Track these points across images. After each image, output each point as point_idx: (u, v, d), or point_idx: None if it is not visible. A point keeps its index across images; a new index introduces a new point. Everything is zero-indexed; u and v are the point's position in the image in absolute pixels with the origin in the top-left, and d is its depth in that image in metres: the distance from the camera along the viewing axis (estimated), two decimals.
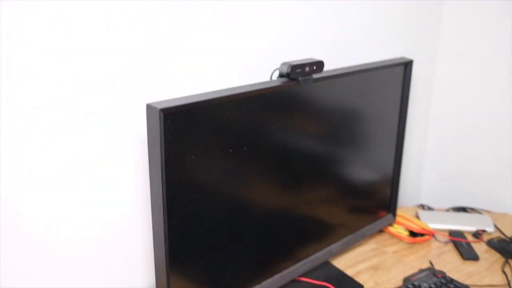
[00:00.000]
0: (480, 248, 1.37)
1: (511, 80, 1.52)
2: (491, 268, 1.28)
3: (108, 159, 1.04)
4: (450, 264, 1.30)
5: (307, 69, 0.99)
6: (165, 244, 0.84)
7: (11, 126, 0.91)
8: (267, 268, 1.06)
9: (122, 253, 1.11)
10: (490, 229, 1.45)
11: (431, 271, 1.22)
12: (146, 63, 1.03)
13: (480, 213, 1.58)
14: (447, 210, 1.60)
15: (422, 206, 1.62)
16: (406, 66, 1.26)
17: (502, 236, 1.41)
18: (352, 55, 1.38)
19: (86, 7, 0.93)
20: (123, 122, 1.04)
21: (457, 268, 1.28)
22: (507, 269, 1.27)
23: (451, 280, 1.19)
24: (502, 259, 1.32)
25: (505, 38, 1.50)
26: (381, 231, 1.44)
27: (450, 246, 1.38)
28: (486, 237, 1.42)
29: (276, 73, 1.01)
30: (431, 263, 1.30)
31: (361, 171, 1.25)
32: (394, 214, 1.38)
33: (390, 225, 1.41)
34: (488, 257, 1.33)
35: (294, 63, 0.97)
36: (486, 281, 1.23)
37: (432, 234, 1.41)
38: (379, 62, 1.20)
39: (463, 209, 1.60)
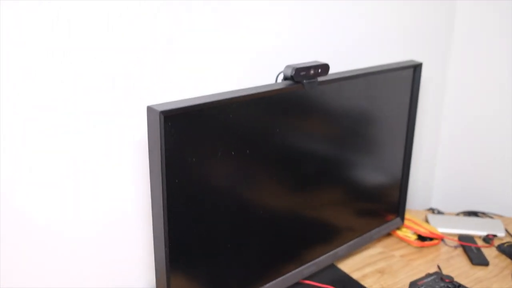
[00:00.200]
0: (490, 253, 1.35)
1: None
2: (501, 274, 1.26)
3: (108, 159, 1.04)
4: (459, 269, 1.28)
5: (312, 72, 0.99)
6: (165, 246, 0.85)
7: (11, 126, 0.92)
8: (270, 270, 1.06)
9: (122, 254, 1.12)
10: (501, 234, 1.43)
11: (439, 276, 1.21)
12: (146, 63, 1.03)
13: (491, 217, 1.56)
14: (458, 214, 1.58)
15: (432, 210, 1.60)
16: (415, 69, 1.25)
17: None
18: (362, 58, 1.36)
19: (86, 7, 0.94)
20: (123, 122, 1.04)
21: (466, 273, 1.27)
22: None
23: (459, 285, 1.17)
24: None
25: None
26: (389, 234, 1.42)
27: (459, 251, 1.37)
28: (496, 242, 1.40)
29: (281, 76, 1.01)
30: (439, 267, 1.28)
31: (369, 174, 1.24)
32: (402, 218, 1.36)
33: (398, 228, 1.40)
34: (498, 263, 1.31)
35: (298, 66, 0.97)
36: (495, 287, 1.21)
37: (441, 238, 1.40)
38: (387, 65, 1.19)
39: (473, 213, 1.58)
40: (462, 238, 1.41)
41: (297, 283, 1.16)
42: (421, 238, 1.39)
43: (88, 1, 0.94)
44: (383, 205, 1.32)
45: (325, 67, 1.01)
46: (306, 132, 1.04)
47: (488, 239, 1.40)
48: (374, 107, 1.19)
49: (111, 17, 0.97)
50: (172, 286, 0.88)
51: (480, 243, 1.40)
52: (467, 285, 1.20)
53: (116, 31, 0.98)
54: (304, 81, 0.98)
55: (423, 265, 1.30)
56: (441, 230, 1.44)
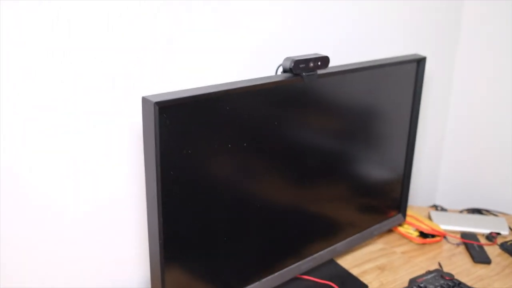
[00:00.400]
0: (493, 251, 1.34)
1: None
2: (502, 272, 1.25)
3: (108, 159, 1.04)
4: (460, 266, 1.27)
5: (311, 64, 0.97)
6: (159, 239, 0.84)
7: (11, 126, 0.92)
8: (267, 265, 1.05)
9: (117, 247, 1.11)
10: (504, 232, 1.41)
11: (439, 273, 1.19)
12: (146, 63, 1.03)
13: (495, 215, 1.54)
14: (461, 212, 1.56)
15: (435, 207, 1.58)
16: (419, 63, 1.23)
17: None
18: (367, 51, 1.35)
19: (86, 7, 0.93)
20: (123, 123, 1.04)
21: (467, 271, 1.25)
22: None
23: (459, 283, 1.16)
24: None
25: None
26: (390, 231, 1.41)
27: (462, 249, 1.35)
28: (500, 240, 1.38)
29: (281, 69, 1.00)
30: (440, 265, 1.27)
31: (370, 169, 1.22)
32: (404, 214, 1.35)
33: (400, 225, 1.39)
34: (501, 261, 1.29)
35: (297, 58, 0.95)
36: (497, 285, 1.19)
37: (443, 235, 1.38)
38: (390, 58, 1.18)
39: (477, 211, 1.56)
40: (465, 235, 1.39)
41: (295, 278, 1.15)
42: (423, 235, 1.37)
43: (88, 1, 0.93)
44: (385, 201, 1.31)
45: (325, 60, 0.99)
46: (305, 125, 1.02)
47: (491, 237, 1.39)
48: (376, 102, 1.17)
49: (111, 17, 0.96)
50: (167, 279, 0.88)
51: (483, 241, 1.38)
52: (468, 283, 1.18)
53: (116, 31, 0.98)
54: (304, 73, 0.97)
55: (424, 262, 1.28)
56: (443, 227, 1.42)
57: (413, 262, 1.28)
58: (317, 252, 1.14)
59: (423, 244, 1.36)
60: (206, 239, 0.92)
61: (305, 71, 0.97)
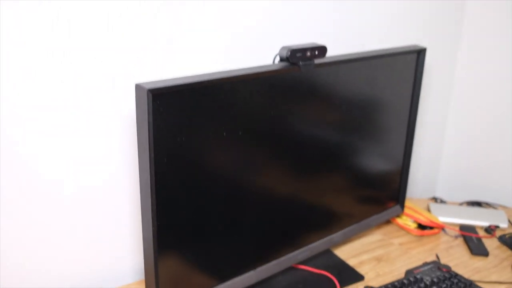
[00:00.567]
0: (491, 244, 1.33)
1: None
2: (500, 265, 1.24)
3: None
4: (458, 259, 1.26)
5: (308, 53, 0.97)
6: (153, 225, 0.84)
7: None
8: (263, 254, 1.05)
9: (111, 234, 1.12)
10: (503, 225, 1.41)
11: (436, 265, 1.19)
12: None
13: (495, 208, 1.53)
14: (461, 204, 1.55)
15: (435, 199, 1.58)
16: (419, 54, 1.22)
17: None
18: (366, 42, 1.34)
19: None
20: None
21: (465, 263, 1.25)
22: None
23: (456, 275, 1.15)
24: None
25: None
26: (388, 222, 1.41)
27: (460, 241, 1.35)
28: (499, 233, 1.38)
29: (278, 59, 0.99)
30: (437, 256, 1.27)
31: (368, 160, 1.22)
32: (402, 206, 1.34)
33: (398, 216, 1.38)
34: (499, 254, 1.29)
35: (294, 47, 0.95)
36: (494, 278, 1.19)
37: (441, 227, 1.38)
38: (389, 49, 1.17)
39: (477, 204, 1.56)
40: (463, 228, 1.39)
41: (291, 268, 1.15)
42: (421, 226, 1.37)
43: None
44: (383, 192, 1.30)
45: (322, 49, 0.99)
46: (302, 115, 1.02)
47: (490, 230, 1.38)
48: (375, 92, 1.16)
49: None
50: (160, 267, 0.88)
51: (481, 233, 1.38)
52: (465, 275, 1.18)
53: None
54: (300, 62, 0.96)
55: (421, 253, 1.28)
56: (442, 219, 1.42)
57: (410, 254, 1.28)
58: (313, 242, 1.14)
59: (421, 236, 1.36)
60: (200, 227, 0.92)
61: (302, 60, 0.97)
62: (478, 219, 1.42)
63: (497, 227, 1.40)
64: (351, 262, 1.23)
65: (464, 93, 1.62)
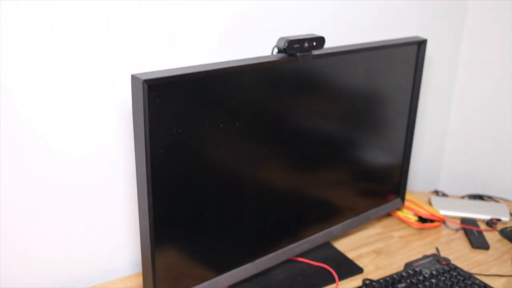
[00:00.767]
0: (492, 237, 1.32)
1: None
2: (501, 258, 1.24)
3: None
4: (458, 252, 1.26)
5: (306, 44, 0.96)
6: (149, 216, 0.84)
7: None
8: (261, 246, 1.05)
9: (109, 226, 1.12)
10: (505, 218, 1.40)
11: (436, 258, 1.19)
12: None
13: (497, 201, 1.52)
14: (462, 198, 1.55)
15: (436, 192, 1.57)
16: (420, 45, 1.21)
17: None
18: (366, 34, 1.33)
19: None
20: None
21: (465, 256, 1.24)
22: None
23: (455, 268, 1.15)
24: None
25: None
26: (389, 215, 1.40)
27: (460, 234, 1.34)
28: (500, 227, 1.37)
29: (276, 50, 0.99)
30: (437, 249, 1.26)
31: (368, 153, 1.21)
32: (403, 199, 1.34)
33: (398, 209, 1.38)
34: (500, 247, 1.28)
35: (291, 38, 0.94)
36: (494, 271, 1.18)
37: (442, 220, 1.37)
38: (389, 40, 1.16)
39: (479, 197, 1.55)
40: (465, 221, 1.38)
41: (290, 260, 1.15)
42: (422, 220, 1.36)
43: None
44: (383, 185, 1.30)
45: (320, 40, 0.98)
46: (300, 107, 1.01)
47: (491, 223, 1.37)
48: (375, 84, 1.16)
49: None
50: (157, 258, 0.88)
51: (483, 227, 1.37)
52: (464, 268, 1.17)
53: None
54: (298, 54, 0.96)
55: (421, 246, 1.28)
56: (444, 212, 1.41)
57: (410, 247, 1.27)
58: (312, 234, 1.14)
59: (422, 229, 1.35)
60: (198, 219, 0.92)
61: (300, 51, 0.96)
62: (480, 213, 1.41)
63: (498, 220, 1.39)
64: (351, 255, 1.23)
65: (467, 86, 1.60)
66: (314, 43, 0.98)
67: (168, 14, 1.03)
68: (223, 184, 0.94)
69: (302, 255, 1.17)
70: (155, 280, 0.89)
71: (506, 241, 1.31)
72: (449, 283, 1.09)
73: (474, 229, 1.34)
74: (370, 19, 1.34)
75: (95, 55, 0.98)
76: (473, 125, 1.62)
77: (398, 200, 1.33)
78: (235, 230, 0.99)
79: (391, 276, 1.11)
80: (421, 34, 1.32)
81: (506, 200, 1.53)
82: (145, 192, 0.83)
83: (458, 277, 1.12)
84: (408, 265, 1.17)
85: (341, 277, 1.13)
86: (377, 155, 1.25)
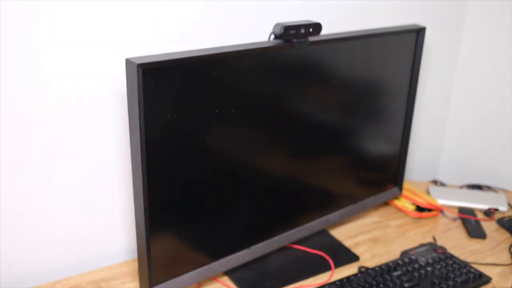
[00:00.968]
0: (490, 226, 1.32)
1: None
2: (497, 247, 1.24)
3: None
4: (454, 241, 1.26)
5: (302, 30, 0.96)
6: (144, 201, 0.84)
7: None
8: (257, 232, 1.05)
9: (106, 214, 1.13)
10: (503, 208, 1.40)
11: (432, 246, 1.19)
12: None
13: (495, 191, 1.52)
14: (461, 187, 1.55)
15: (435, 182, 1.57)
16: (418, 33, 1.20)
17: None
18: (366, 21, 1.33)
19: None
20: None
21: (461, 245, 1.24)
22: None
23: (451, 256, 1.15)
24: (511, 239, 1.27)
25: None
26: (387, 204, 1.40)
27: (458, 223, 1.34)
28: (498, 216, 1.37)
29: (273, 37, 0.98)
30: (434, 238, 1.26)
31: (365, 141, 1.21)
32: (401, 188, 1.34)
33: (396, 198, 1.38)
34: (497, 236, 1.28)
35: (287, 24, 0.94)
36: (490, 260, 1.18)
37: (440, 210, 1.37)
38: (387, 28, 1.15)
39: (478, 187, 1.55)
40: (462, 210, 1.38)
41: (286, 247, 1.15)
42: (419, 209, 1.36)
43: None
44: (381, 174, 1.30)
45: (317, 27, 0.98)
46: (296, 93, 1.01)
47: (489, 213, 1.37)
48: (373, 72, 1.15)
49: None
50: (152, 244, 0.88)
51: (481, 216, 1.37)
52: (460, 257, 1.17)
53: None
54: (294, 40, 0.95)
55: (418, 235, 1.28)
56: (442, 202, 1.41)
57: (407, 236, 1.28)
58: (309, 221, 1.14)
59: (419, 218, 1.35)
60: (193, 204, 0.92)
61: (296, 37, 0.96)
62: (478, 202, 1.41)
63: (496, 210, 1.39)
64: (347, 243, 1.23)
65: (467, 76, 1.60)
66: (311, 29, 0.97)
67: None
68: (218, 170, 0.94)
69: (298, 242, 1.17)
70: (150, 266, 0.89)
71: (503, 231, 1.31)
72: (445, 271, 1.09)
73: (472, 218, 1.34)
74: (369, 6, 1.34)
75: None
76: (473, 115, 1.61)
77: (395, 189, 1.33)
78: (231, 216, 0.99)
79: (386, 264, 1.11)
80: (421, 21, 1.31)
81: (505, 190, 1.53)
82: (140, 177, 0.83)
83: (454, 265, 1.12)
84: (404, 253, 1.17)
85: (337, 265, 1.13)
86: (375, 144, 1.24)
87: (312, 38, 0.98)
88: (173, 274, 0.94)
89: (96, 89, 1.02)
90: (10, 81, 0.93)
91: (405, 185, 1.40)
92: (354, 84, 1.12)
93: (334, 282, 1.05)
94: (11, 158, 0.97)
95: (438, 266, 1.11)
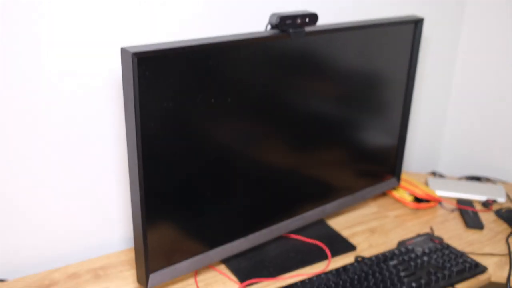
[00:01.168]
0: (487, 217, 1.33)
1: None
2: (495, 238, 1.24)
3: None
4: (452, 231, 1.26)
5: (298, 21, 0.96)
6: (140, 190, 0.85)
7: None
8: (254, 221, 1.06)
9: (103, 203, 1.14)
10: (501, 199, 1.40)
11: (429, 237, 1.20)
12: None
13: (494, 183, 1.52)
14: (459, 179, 1.55)
15: (434, 173, 1.57)
16: (417, 24, 1.20)
17: None
18: (366, 13, 1.33)
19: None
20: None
21: (459, 236, 1.25)
22: (511, 240, 1.23)
23: (447, 247, 1.16)
24: (508, 230, 1.27)
25: None
26: (385, 195, 1.41)
27: (456, 214, 1.34)
28: (496, 208, 1.37)
29: (269, 27, 0.99)
30: (431, 229, 1.27)
31: (363, 132, 1.21)
32: (399, 178, 1.34)
33: (394, 189, 1.38)
34: (494, 227, 1.29)
35: (283, 14, 0.94)
36: (487, 250, 1.19)
37: (438, 201, 1.37)
38: (385, 19, 1.15)
39: (476, 178, 1.55)
40: (460, 202, 1.38)
41: (283, 237, 1.16)
42: (417, 200, 1.37)
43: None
44: (379, 165, 1.30)
45: (313, 17, 0.98)
46: (292, 84, 1.02)
47: (487, 204, 1.38)
48: (370, 63, 1.15)
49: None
50: (149, 233, 0.89)
51: (479, 207, 1.37)
52: (457, 247, 1.18)
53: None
54: (290, 30, 0.96)
55: (416, 226, 1.28)
56: (440, 193, 1.41)
57: (404, 226, 1.28)
58: (307, 211, 1.15)
59: (417, 209, 1.36)
60: (189, 193, 0.93)
61: (292, 27, 0.96)
62: (476, 193, 1.42)
63: (494, 201, 1.39)
64: (345, 233, 1.24)
65: (467, 68, 1.60)
66: (307, 20, 0.97)
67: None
68: (214, 159, 0.95)
69: (296, 232, 1.18)
70: (147, 254, 0.90)
71: (501, 222, 1.31)
72: (441, 261, 1.10)
73: (470, 209, 1.35)
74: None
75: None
76: (472, 107, 1.61)
77: (393, 179, 1.34)
78: (227, 205, 1.00)
79: (383, 254, 1.11)
80: (421, 12, 1.31)
81: (503, 182, 1.53)
82: (136, 166, 0.84)
83: (450, 255, 1.12)
84: (400, 243, 1.18)
85: (334, 254, 1.14)
86: (373, 134, 1.25)
87: (308, 29, 0.99)
88: (170, 262, 0.95)
89: (93, 84, 1.03)
90: (10, 79, 0.95)
91: (404, 176, 1.41)
92: (351, 75, 1.13)
93: (330, 271, 1.06)
94: (8, 151, 0.98)
95: (435, 256, 1.11)
